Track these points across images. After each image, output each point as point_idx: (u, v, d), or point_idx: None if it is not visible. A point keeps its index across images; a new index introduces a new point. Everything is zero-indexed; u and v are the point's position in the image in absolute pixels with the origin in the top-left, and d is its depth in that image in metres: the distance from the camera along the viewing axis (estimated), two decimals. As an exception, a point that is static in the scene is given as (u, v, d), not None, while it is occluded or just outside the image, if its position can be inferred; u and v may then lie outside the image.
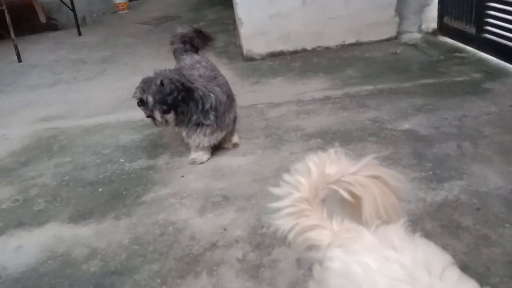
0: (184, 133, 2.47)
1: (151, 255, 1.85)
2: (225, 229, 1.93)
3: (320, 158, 1.07)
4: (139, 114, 2.51)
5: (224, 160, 2.52)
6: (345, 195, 1.00)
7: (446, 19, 4.08)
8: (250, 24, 4.22)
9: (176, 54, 2.83)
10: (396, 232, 0.93)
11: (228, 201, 2.12)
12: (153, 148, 2.77)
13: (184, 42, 2.76)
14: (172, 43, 2.85)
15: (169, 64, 2.87)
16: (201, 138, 2.43)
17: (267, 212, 1.09)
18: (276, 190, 1.08)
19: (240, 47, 4.42)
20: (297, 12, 4.20)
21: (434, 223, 1.77)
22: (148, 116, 2.39)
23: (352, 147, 2.44)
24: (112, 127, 3.15)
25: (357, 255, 0.89)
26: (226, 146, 2.61)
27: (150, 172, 2.49)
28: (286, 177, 1.08)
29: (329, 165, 1.04)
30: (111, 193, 2.34)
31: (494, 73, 3.17)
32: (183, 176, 2.40)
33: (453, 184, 2.00)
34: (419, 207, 1.87)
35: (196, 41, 2.80)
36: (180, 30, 2.83)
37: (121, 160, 2.67)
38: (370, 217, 0.98)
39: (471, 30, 3.63)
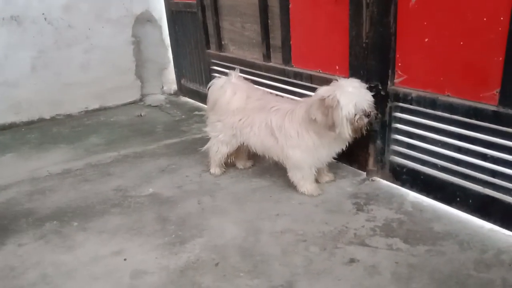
0: None
1: None
2: None
3: None
4: None
5: None
6: None
7: (183, 81, 4.40)
8: (-34, 95, 3.58)
9: None
10: None
11: None
12: None
13: None
14: None
15: None
16: None
17: None
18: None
19: (-44, 122, 3.67)
20: (27, 80, 3.81)
21: (177, 291, 1.72)
22: None
23: (94, 224, 2.24)
24: None
25: None
26: None
27: None
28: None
29: None
30: None
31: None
32: None
33: (194, 243, 2.02)
34: (162, 277, 1.79)
35: None
36: None
37: None
38: None
39: (204, 90, 3.99)
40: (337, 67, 2.58)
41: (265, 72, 3.14)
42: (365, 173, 2.51)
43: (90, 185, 2.66)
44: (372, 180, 2.45)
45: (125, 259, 1.92)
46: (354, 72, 2.43)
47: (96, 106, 4.16)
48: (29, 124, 3.87)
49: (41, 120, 3.93)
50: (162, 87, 4.52)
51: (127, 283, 1.78)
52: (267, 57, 3.11)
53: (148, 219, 2.25)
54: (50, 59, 3.87)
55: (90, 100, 4.13)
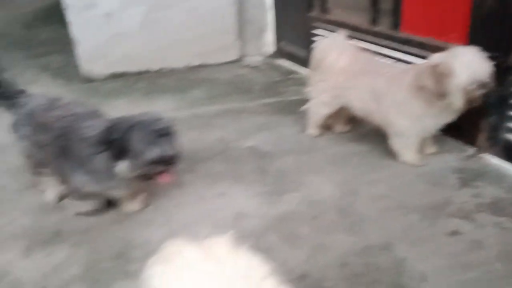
0: None
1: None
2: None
3: None
4: None
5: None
6: None
7: (282, 44, 4.42)
8: (87, 44, 3.94)
9: None
10: (221, 245, 0.90)
11: (59, 240, 1.86)
12: None
13: None
14: None
15: None
16: None
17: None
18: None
19: (78, 68, 4.08)
20: (137, 33, 4.07)
21: (276, 236, 1.81)
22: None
23: (199, 168, 2.41)
24: None
25: (178, 270, 0.88)
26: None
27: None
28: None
29: None
30: None
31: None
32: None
33: (292, 196, 2.10)
34: (262, 222, 1.90)
35: None
36: None
37: None
38: None
39: (303, 53, 3.98)
40: (453, 35, 2.42)
41: (370, 37, 3.05)
42: (473, 148, 2.38)
43: (195, 133, 2.84)
44: (481, 157, 2.32)
45: (228, 201, 2.07)
46: (473, 40, 2.26)
47: (198, 63, 4.35)
48: (138, 74, 4.18)
49: (148, 71, 4.22)
50: (261, 49, 4.59)
51: (230, 223, 1.92)
52: (374, 21, 3.01)
53: (248, 169, 2.37)
54: (158, 15, 4.08)
55: (193, 57, 4.32)
